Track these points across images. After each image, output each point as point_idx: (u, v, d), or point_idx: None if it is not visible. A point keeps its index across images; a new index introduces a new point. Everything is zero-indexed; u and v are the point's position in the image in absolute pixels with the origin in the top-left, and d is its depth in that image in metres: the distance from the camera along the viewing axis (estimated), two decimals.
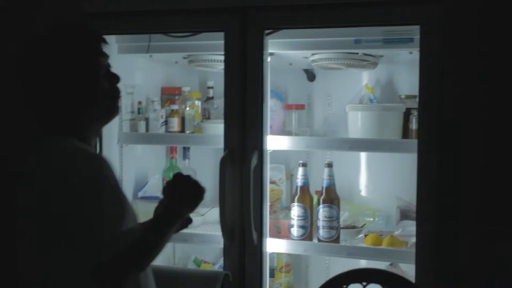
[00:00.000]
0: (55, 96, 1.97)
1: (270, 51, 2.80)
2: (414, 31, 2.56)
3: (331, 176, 2.91)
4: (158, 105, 3.24)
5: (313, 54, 2.97)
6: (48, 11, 3.09)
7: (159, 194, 3.21)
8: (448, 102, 2.52)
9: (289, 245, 2.91)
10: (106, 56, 2.05)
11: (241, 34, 2.72)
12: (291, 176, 3.35)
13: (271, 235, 2.88)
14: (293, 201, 2.95)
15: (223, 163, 2.72)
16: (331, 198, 2.89)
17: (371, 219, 3.15)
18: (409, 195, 2.94)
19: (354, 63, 2.93)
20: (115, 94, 2.07)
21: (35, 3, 3.11)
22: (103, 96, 2.03)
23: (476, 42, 2.52)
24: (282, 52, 2.91)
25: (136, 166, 3.27)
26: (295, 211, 2.91)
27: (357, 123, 2.96)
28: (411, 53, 2.81)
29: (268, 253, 2.83)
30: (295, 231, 2.91)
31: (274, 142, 2.82)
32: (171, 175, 3.31)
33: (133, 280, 1.98)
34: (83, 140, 2.02)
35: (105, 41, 2.07)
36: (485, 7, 2.50)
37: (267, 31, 2.74)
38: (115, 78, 2.06)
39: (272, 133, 2.89)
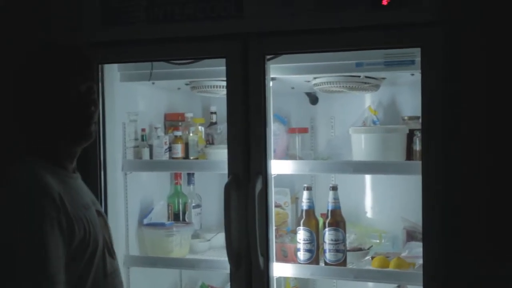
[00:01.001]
0: (24, 118, 1.98)
1: (272, 75, 2.81)
2: (415, 53, 2.57)
3: (336, 199, 2.91)
4: (162, 131, 3.25)
5: (315, 78, 2.98)
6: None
7: (165, 220, 3.26)
8: (450, 123, 2.53)
9: (296, 269, 2.90)
10: (83, 78, 2.00)
11: (243, 60, 2.73)
12: (296, 200, 3.35)
13: (278, 259, 2.88)
14: (298, 224, 2.94)
15: (228, 188, 2.72)
16: (337, 221, 2.89)
17: (378, 241, 3.14)
18: (415, 216, 2.94)
19: (356, 86, 2.94)
20: (88, 119, 2.02)
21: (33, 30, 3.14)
22: (73, 120, 1.99)
23: (477, 62, 2.53)
24: (284, 77, 2.93)
25: (141, 193, 3.27)
26: (301, 234, 2.91)
27: (360, 145, 2.96)
28: (413, 74, 2.82)
29: (275, 278, 2.82)
30: (301, 255, 2.91)
31: (278, 166, 2.82)
32: (176, 201, 3.33)
33: None
34: (58, 163, 2.01)
35: (87, 64, 2.03)
36: (485, 29, 2.52)
37: (268, 57, 2.75)
38: (91, 103, 2.01)
39: (276, 157, 2.89)
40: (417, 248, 2.81)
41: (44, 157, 2.00)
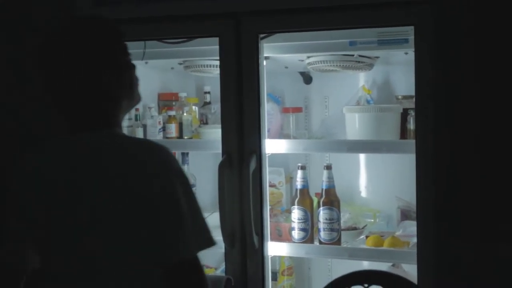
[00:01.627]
0: (88, 88, 1.92)
1: (265, 55, 2.80)
2: (409, 31, 2.56)
3: (330, 178, 2.91)
4: (155, 111, 3.24)
5: (308, 57, 2.97)
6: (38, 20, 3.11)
7: None
8: (444, 101, 2.53)
9: (291, 248, 2.91)
10: (126, 46, 2.01)
11: (236, 39, 2.72)
12: (290, 179, 3.35)
13: (272, 239, 2.88)
14: (293, 204, 2.95)
15: (222, 168, 2.72)
16: (331, 200, 2.89)
17: (372, 220, 3.15)
18: (409, 195, 2.94)
19: (350, 65, 2.93)
20: (137, 82, 2.05)
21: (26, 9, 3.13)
22: (130, 84, 2.00)
23: (469, 40, 2.52)
24: (278, 56, 2.92)
25: None
26: (296, 214, 2.92)
27: (354, 125, 2.96)
28: (406, 53, 2.81)
29: (270, 257, 2.83)
30: (296, 234, 2.91)
31: (272, 146, 2.82)
32: None
33: None
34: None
35: (122, 33, 2.02)
36: (478, 6, 2.51)
37: (261, 35, 2.74)
38: (133, 67, 2.03)
39: (270, 136, 2.89)
40: (412, 227, 2.81)
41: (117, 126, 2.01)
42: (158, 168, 1.88)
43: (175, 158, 1.96)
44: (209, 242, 1.92)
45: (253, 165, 2.70)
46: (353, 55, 2.89)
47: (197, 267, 1.90)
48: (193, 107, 3.27)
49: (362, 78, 3.28)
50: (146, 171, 1.86)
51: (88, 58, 1.92)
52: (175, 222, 1.86)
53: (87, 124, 1.95)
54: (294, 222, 2.92)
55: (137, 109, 3.19)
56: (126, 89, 1.99)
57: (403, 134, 2.91)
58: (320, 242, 2.89)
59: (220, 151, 2.78)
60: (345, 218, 3.04)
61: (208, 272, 3.38)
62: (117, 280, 1.88)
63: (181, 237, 1.86)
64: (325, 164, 2.95)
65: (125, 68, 1.99)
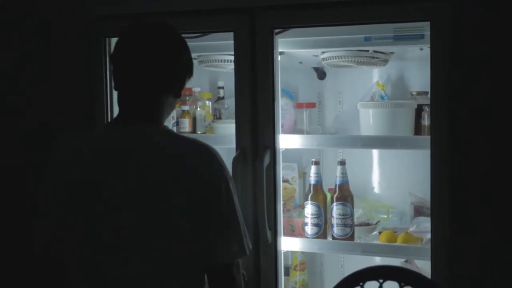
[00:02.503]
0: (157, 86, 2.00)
1: (280, 50, 2.80)
2: (425, 27, 2.55)
3: (344, 173, 2.91)
4: None
5: (323, 52, 2.96)
6: (52, 15, 3.12)
7: None
8: (459, 97, 2.52)
9: (304, 243, 2.91)
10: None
11: (251, 34, 2.72)
12: (303, 174, 3.35)
13: (285, 234, 2.88)
14: (306, 199, 2.95)
15: (236, 162, 2.72)
16: (345, 195, 2.89)
17: (385, 216, 3.14)
18: (423, 191, 2.94)
19: (365, 60, 2.92)
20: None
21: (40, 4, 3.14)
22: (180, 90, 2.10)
23: (485, 37, 2.51)
24: (292, 51, 2.92)
25: None
26: (309, 209, 2.91)
27: (368, 121, 2.96)
28: (421, 49, 2.80)
29: (282, 252, 2.83)
30: (309, 229, 2.91)
31: (286, 141, 2.82)
32: None
33: None
34: None
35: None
36: (495, 2, 2.50)
37: (276, 30, 2.74)
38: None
39: (284, 132, 2.89)
40: (425, 223, 2.81)
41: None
42: (212, 173, 1.91)
43: (225, 164, 1.98)
44: (248, 249, 1.98)
45: (267, 160, 2.70)
46: (368, 51, 2.88)
47: (239, 269, 1.96)
48: (207, 102, 3.27)
49: (376, 74, 3.27)
50: (199, 174, 1.90)
51: (170, 60, 2.02)
52: (223, 226, 1.91)
53: (142, 117, 1.99)
54: (307, 217, 2.92)
55: None
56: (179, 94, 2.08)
57: (417, 130, 2.90)
58: (333, 238, 2.89)
59: (233, 146, 2.78)
60: (358, 213, 3.04)
61: None
62: (157, 281, 1.90)
63: (226, 242, 1.92)
64: (338, 160, 2.95)
65: (189, 75, 2.10)
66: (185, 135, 3.10)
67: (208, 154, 1.94)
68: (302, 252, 3.26)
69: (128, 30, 2.06)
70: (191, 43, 2.89)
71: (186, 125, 3.15)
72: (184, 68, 2.07)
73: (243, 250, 1.95)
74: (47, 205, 2.02)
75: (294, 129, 3.08)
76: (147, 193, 1.89)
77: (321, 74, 3.38)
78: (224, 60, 3.08)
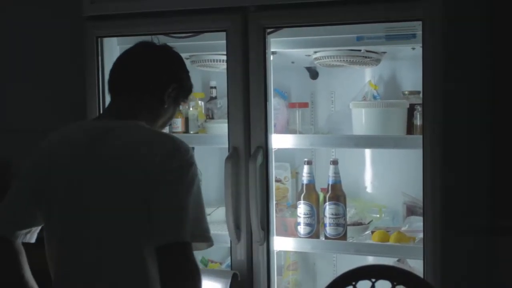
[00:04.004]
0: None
1: (272, 49, 2.80)
2: (416, 26, 2.56)
3: (336, 173, 2.91)
4: None
5: (315, 52, 2.96)
6: (45, 14, 3.12)
7: None
8: (451, 97, 2.52)
9: (296, 243, 2.91)
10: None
11: (243, 34, 2.72)
12: (296, 174, 3.35)
13: (278, 234, 2.88)
14: (299, 199, 2.94)
15: (228, 162, 2.72)
16: (337, 195, 2.89)
17: (378, 216, 3.14)
18: (415, 191, 2.94)
19: (357, 60, 2.93)
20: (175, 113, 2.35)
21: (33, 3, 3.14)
22: (173, 112, 2.29)
23: (477, 36, 2.52)
24: (285, 51, 2.92)
25: None
26: (301, 209, 2.91)
27: (361, 120, 2.96)
28: (413, 49, 2.81)
29: (275, 251, 2.83)
30: (301, 229, 2.91)
31: (278, 141, 2.82)
32: None
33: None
34: None
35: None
36: (486, 1, 2.50)
37: (268, 30, 2.74)
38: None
39: (276, 131, 2.89)
40: (418, 222, 2.81)
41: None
42: (171, 155, 2.02)
43: (191, 152, 2.09)
44: (204, 237, 2.06)
45: (259, 159, 2.71)
46: (360, 50, 2.89)
47: (188, 253, 1.99)
48: (199, 102, 3.26)
49: (368, 74, 3.27)
50: (160, 156, 2.01)
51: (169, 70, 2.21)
52: (176, 206, 1.99)
53: (115, 114, 2.15)
54: (300, 217, 2.92)
55: None
56: (172, 111, 2.25)
57: (409, 129, 2.90)
58: (326, 237, 2.89)
59: (226, 145, 2.79)
60: (351, 213, 3.04)
61: (213, 266, 3.38)
62: (111, 258, 2.02)
63: (178, 221, 1.98)
64: (331, 159, 2.95)
65: (186, 95, 2.29)
66: (178, 135, 3.10)
67: (166, 143, 2.07)
68: (295, 252, 3.26)
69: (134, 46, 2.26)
70: (183, 43, 2.94)
71: (178, 125, 3.14)
72: (166, 75, 2.20)
73: (183, 235, 1.98)
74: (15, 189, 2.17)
75: (287, 129, 3.08)
76: (105, 176, 2.04)
77: (313, 73, 3.38)
78: (217, 60, 3.08)
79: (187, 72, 2.30)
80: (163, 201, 1.99)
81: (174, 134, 3.09)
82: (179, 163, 2.02)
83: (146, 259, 2.00)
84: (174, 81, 2.21)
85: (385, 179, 3.32)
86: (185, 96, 2.30)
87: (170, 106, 2.23)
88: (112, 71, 2.23)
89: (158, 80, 2.19)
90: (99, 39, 2.95)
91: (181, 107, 3.16)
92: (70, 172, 2.07)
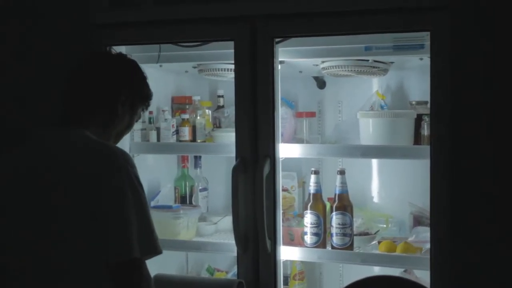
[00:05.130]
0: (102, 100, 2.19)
1: (280, 59, 2.80)
2: (425, 37, 2.56)
3: (343, 183, 2.91)
4: (169, 114, 3.24)
5: (323, 62, 2.97)
6: (54, 23, 3.12)
7: (172, 203, 3.26)
8: (459, 107, 2.52)
9: (303, 252, 2.91)
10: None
11: (251, 43, 2.72)
12: (303, 184, 3.35)
13: (285, 243, 2.88)
14: (306, 208, 2.94)
15: (236, 171, 2.72)
16: (344, 205, 2.89)
17: (384, 226, 3.14)
18: (422, 201, 2.94)
19: (365, 70, 2.93)
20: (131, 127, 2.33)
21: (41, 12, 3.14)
22: (129, 124, 2.29)
23: (485, 47, 2.51)
24: (292, 60, 2.92)
25: (148, 176, 3.27)
26: (308, 218, 2.91)
27: (368, 130, 2.96)
28: (421, 59, 2.81)
29: (281, 261, 2.83)
30: (308, 238, 2.91)
31: (286, 150, 2.82)
32: (182, 184, 3.34)
33: None
34: None
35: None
36: (495, 12, 2.50)
37: (277, 40, 2.75)
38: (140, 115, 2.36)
39: (284, 141, 2.89)
40: (424, 232, 2.81)
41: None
42: (111, 171, 2.01)
43: (133, 164, 2.07)
44: (153, 249, 2.04)
45: (266, 169, 2.70)
46: (368, 60, 2.89)
47: (139, 269, 2.01)
48: (207, 110, 3.27)
49: (376, 83, 3.28)
50: (100, 173, 2.00)
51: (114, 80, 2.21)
52: (121, 224, 1.98)
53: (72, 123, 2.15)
54: (306, 226, 2.92)
55: (150, 112, 3.19)
56: (129, 120, 2.25)
57: (417, 139, 2.90)
58: (333, 247, 2.89)
59: (233, 154, 2.78)
60: (358, 223, 3.04)
61: (220, 275, 3.39)
62: (67, 280, 2.01)
63: (125, 239, 1.97)
64: (338, 169, 2.95)
65: (144, 102, 2.30)
66: (185, 143, 3.11)
67: (110, 155, 2.05)
68: (301, 262, 3.26)
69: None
70: (191, 52, 2.95)
71: (186, 134, 3.15)
72: (115, 83, 2.21)
73: (132, 252, 1.98)
74: None
75: (294, 138, 3.09)
76: (52, 196, 2.02)
77: (321, 83, 3.39)
78: (224, 69, 3.09)
79: (142, 78, 2.29)
80: (107, 218, 1.97)
81: (181, 143, 3.11)
82: (116, 177, 2.01)
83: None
84: (125, 88, 2.20)
85: (392, 189, 3.32)
86: (142, 102, 2.29)
87: (125, 115, 2.22)
88: (65, 83, 2.23)
89: (107, 88, 2.18)
90: (107, 47, 2.95)
91: (143, 116, 3.18)
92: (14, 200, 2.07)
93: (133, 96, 2.23)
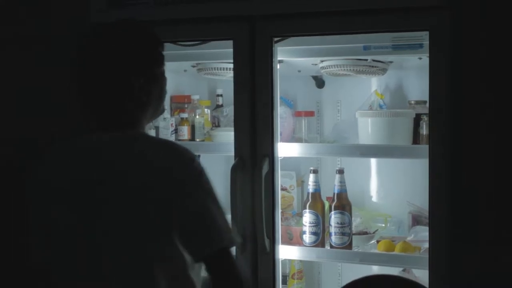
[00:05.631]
0: (119, 91, 2.00)
1: (279, 58, 2.80)
2: (423, 36, 2.56)
3: (342, 182, 2.91)
4: (168, 113, 3.24)
5: (322, 61, 2.97)
6: (52, 22, 3.12)
7: None
8: (458, 107, 2.52)
9: (302, 251, 2.91)
10: (162, 56, 2.11)
11: (250, 42, 2.72)
12: (302, 183, 3.35)
13: (283, 242, 2.88)
14: (304, 207, 2.95)
15: (234, 170, 2.72)
16: (343, 204, 2.89)
17: (383, 225, 3.14)
18: (421, 200, 2.95)
19: (363, 69, 2.93)
20: (164, 94, 2.14)
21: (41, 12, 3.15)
22: (159, 95, 2.10)
23: (485, 47, 2.52)
24: (291, 60, 2.92)
25: None
26: (307, 217, 2.91)
27: (367, 129, 2.96)
28: (420, 58, 2.81)
29: (280, 260, 2.83)
30: (307, 237, 2.91)
31: (284, 149, 2.82)
32: None
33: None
34: None
35: (161, 42, 2.12)
36: (494, 12, 2.50)
37: (276, 39, 2.75)
38: (165, 79, 2.12)
39: (282, 140, 2.89)
40: (423, 232, 2.81)
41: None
42: (184, 163, 1.96)
43: (195, 162, 2.00)
44: (232, 238, 2.00)
45: (265, 168, 2.71)
46: (366, 60, 2.89)
47: (230, 257, 2.00)
48: (206, 109, 3.27)
49: (374, 83, 3.28)
50: (171, 166, 1.94)
51: (123, 62, 2.00)
52: (205, 214, 1.94)
53: (113, 125, 2.02)
54: (305, 225, 2.92)
55: None
56: (155, 99, 2.07)
57: (416, 139, 2.90)
58: (331, 246, 2.89)
59: (231, 153, 2.79)
60: (356, 222, 3.04)
61: None
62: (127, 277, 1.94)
63: (213, 229, 1.94)
64: (337, 168, 2.95)
65: (158, 79, 2.07)
66: (184, 143, 3.11)
67: (173, 153, 1.98)
68: (300, 261, 3.26)
69: (96, 33, 2.09)
70: (190, 51, 2.95)
71: (184, 133, 3.15)
72: (132, 75, 2.01)
73: (218, 241, 1.95)
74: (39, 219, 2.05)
75: (293, 138, 3.09)
76: (126, 197, 1.94)
77: (320, 82, 3.39)
78: (223, 68, 3.09)
79: (147, 46, 2.07)
80: (187, 211, 1.93)
81: (180, 142, 3.11)
82: (192, 170, 1.96)
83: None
84: (141, 75, 2.02)
85: (390, 188, 3.32)
86: (158, 66, 2.08)
87: (152, 90, 2.05)
88: (84, 73, 2.04)
89: (134, 76, 2.00)
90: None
91: (186, 115, 3.18)
92: (80, 196, 1.97)
93: (150, 76, 2.06)
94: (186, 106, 3.31)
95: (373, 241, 2.98)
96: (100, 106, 2.03)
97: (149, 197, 1.92)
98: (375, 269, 3.12)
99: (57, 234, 2.00)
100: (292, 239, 2.98)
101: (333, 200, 2.91)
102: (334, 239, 2.88)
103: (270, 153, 2.73)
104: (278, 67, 2.79)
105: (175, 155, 1.98)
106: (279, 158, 2.81)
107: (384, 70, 3.00)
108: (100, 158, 1.99)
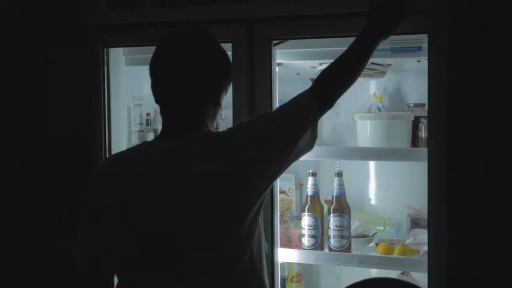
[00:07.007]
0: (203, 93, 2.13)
1: (278, 61, 2.80)
2: (422, 39, 2.56)
3: (341, 185, 2.91)
4: None
5: (320, 64, 2.96)
6: (51, 24, 3.12)
7: None
8: (457, 110, 2.52)
9: (300, 254, 2.90)
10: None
11: (249, 45, 2.72)
12: (300, 186, 3.35)
13: (282, 245, 2.88)
14: (303, 210, 2.94)
15: None
16: (342, 207, 2.89)
17: (382, 228, 3.14)
18: (419, 203, 2.94)
19: (362, 72, 2.92)
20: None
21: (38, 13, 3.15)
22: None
23: (484, 49, 2.52)
24: (290, 62, 2.92)
25: None
26: (306, 220, 2.91)
27: (365, 132, 2.96)
28: (419, 61, 2.81)
29: (279, 263, 2.82)
30: (306, 240, 2.91)
31: None
32: None
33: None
34: None
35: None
36: (493, 15, 2.50)
37: (274, 42, 2.75)
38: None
39: None
40: (422, 235, 2.81)
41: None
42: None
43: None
44: None
45: None
46: None
47: None
48: None
49: (373, 86, 3.28)
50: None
51: (216, 65, 2.14)
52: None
53: (187, 128, 2.09)
54: (304, 228, 2.92)
55: (148, 114, 3.20)
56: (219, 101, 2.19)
57: (414, 142, 2.90)
58: (330, 249, 2.89)
59: None
60: (355, 225, 3.04)
61: None
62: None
63: None
64: (336, 171, 2.94)
65: (225, 80, 2.19)
66: None
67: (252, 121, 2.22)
68: (299, 264, 3.26)
69: (164, 40, 2.19)
70: None
71: None
72: (216, 73, 2.15)
73: None
74: (96, 226, 2.06)
75: None
76: (202, 204, 1.98)
77: None
78: None
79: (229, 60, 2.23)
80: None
81: None
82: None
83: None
84: (222, 76, 2.17)
85: (389, 191, 3.32)
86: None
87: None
88: (159, 77, 2.15)
89: (211, 82, 2.14)
90: (105, 49, 2.94)
91: (141, 118, 3.20)
92: (151, 200, 2.00)
93: (228, 83, 2.22)
94: None
95: (372, 244, 2.98)
96: (184, 108, 2.10)
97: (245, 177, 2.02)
98: (374, 272, 3.12)
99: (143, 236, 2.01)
100: (291, 242, 2.98)
101: (332, 203, 2.91)
102: (333, 242, 2.87)
103: None
104: (277, 69, 2.79)
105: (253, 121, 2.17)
106: None
107: (383, 73, 3.00)
108: (187, 158, 2.03)
